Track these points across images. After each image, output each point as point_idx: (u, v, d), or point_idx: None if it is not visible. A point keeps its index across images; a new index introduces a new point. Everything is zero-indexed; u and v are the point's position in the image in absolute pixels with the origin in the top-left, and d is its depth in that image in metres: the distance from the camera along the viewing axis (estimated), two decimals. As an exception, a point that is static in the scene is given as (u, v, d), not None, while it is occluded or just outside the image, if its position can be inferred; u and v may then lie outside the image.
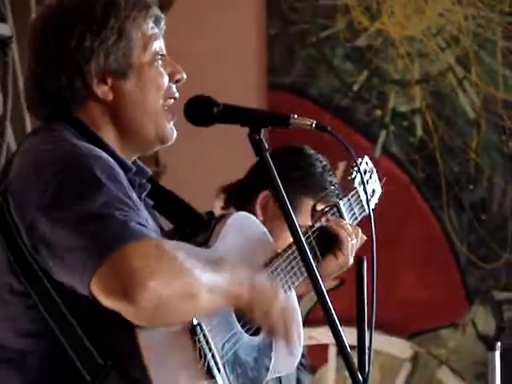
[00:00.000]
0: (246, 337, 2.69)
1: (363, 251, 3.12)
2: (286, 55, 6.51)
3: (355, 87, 6.25)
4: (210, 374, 2.42)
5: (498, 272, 6.13)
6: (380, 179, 3.55)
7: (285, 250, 2.82)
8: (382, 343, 5.92)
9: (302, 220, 3.51)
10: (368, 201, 3.26)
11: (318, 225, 3.13)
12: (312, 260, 2.36)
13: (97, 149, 2.45)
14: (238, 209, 3.51)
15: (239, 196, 3.72)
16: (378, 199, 3.56)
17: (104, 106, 2.55)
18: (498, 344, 4.73)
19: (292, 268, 2.81)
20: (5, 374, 2.48)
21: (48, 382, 2.43)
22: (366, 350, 2.86)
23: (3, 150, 5.68)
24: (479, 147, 6.17)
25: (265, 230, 3.01)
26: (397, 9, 6.34)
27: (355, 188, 3.27)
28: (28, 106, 2.64)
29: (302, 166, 3.70)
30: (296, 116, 2.47)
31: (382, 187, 3.58)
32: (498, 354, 4.74)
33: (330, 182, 3.70)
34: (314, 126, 2.47)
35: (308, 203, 3.62)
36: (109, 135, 2.58)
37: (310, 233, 2.97)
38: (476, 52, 6.35)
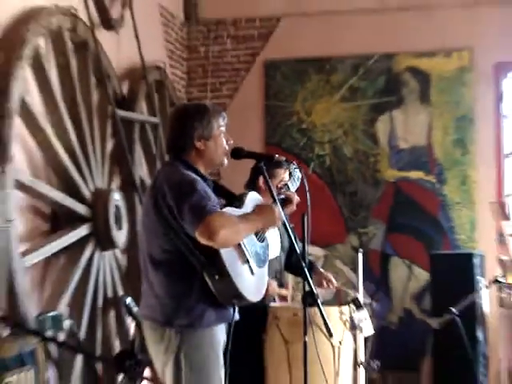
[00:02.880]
0: (258, 242, 4.27)
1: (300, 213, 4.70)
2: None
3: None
4: (247, 260, 4.08)
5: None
6: (300, 170, 5.05)
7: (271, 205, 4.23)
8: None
9: (276, 180, 5.41)
10: (304, 179, 4.75)
11: (281, 195, 4.60)
12: (283, 208, 4.24)
13: (193, 174, 3.97)
14: (253, 188, 5.23)
15: (251, 185, 5.57)
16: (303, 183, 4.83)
17: (198, 151, 4.08)
18: (361, 250, 6.36)
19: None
20: (155, 270, 4.02)
21: (179, 273, 3.97)
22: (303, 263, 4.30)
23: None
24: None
25: (260, 197, 4.49)
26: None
27: (292, 176, 4.92)
28: (167, 151, 4.36)
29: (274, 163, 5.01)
30: (277, 155, 4.39)
31: (301, 173, 5.02)
32: (361, 255, 6.31)
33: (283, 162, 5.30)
34: (278, 156, 4.40)
35: (278, 172, 5.46)
36: (199, 165, 4.11)
37: (279, 198, 4.31)
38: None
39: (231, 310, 4.02)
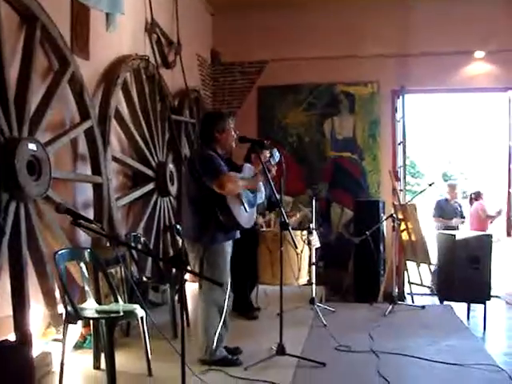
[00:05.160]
0: (250, 194, 4.22)
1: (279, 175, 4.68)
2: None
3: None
4: (242, 204, 4.07)
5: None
6: (279, 152, 4.56)
7: (259, 172, 4.22)
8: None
9: (262, 156, 4.59)
10: (281, 157, 4.48)
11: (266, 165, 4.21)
12: (268, 173, 4.14)
13: (214, 153, 3.94)
14: (248, 160, 5.11)
15: (247, 158, 5.25)
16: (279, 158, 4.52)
17: (217, 140, 4.01)
18: (314, 198, 6.28)
19: (262, 175, 4.15)
20: (190, 209, 4.01)
21: (202, 212, 3.95)
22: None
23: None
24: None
25: (252, 167, 4.29)
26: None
27: (272, 155, 4.47)
28: (199, 139, 4.30)
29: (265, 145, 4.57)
30: (265, 141, 4.45)
31: (279, 155, 4.53)
32: (314, 201, 6.15)
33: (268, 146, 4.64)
34: (266, 141, 4.46)
35: (265, 152, 4.96)
36: (217, 147, 4.02)
37: (266, 168, 4.13)
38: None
39: (234, 232, 4.11)
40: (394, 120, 8.51)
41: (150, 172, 5.96)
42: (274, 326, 4.29)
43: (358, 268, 7.69)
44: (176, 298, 4.82)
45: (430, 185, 7.17)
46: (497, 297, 8.00)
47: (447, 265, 6.79)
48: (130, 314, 3.78)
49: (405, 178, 8.46)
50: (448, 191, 9.25)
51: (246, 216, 4.09)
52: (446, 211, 8.99)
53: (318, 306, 5.75)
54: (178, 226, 5.90)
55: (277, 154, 4.43)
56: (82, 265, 3.95)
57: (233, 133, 4.08)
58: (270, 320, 5.14)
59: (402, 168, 8.39)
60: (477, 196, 9.21)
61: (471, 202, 9.28)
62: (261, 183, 4.31)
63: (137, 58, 5.83)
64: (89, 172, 4.93)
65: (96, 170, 4.92)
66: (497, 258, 8.06)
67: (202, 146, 4.08)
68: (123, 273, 4.59)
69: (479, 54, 8.09)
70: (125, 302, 4.22)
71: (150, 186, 5.98)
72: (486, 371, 4.00)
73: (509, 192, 8.33)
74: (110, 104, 5.19)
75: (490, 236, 6.76)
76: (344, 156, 8.61)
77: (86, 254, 4.01)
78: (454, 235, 6.71)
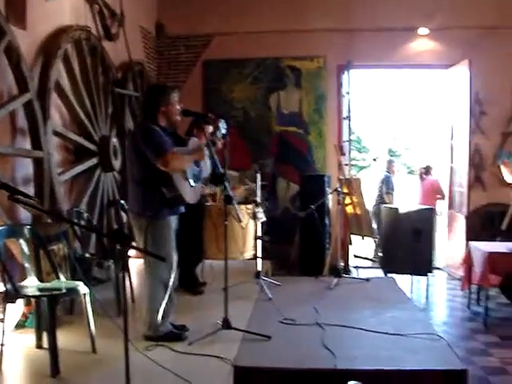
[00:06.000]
0: (195, 167, 4.22)
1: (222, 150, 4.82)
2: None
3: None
4: (187, 179, 4.06)
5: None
6: (227, 125, 4.71)
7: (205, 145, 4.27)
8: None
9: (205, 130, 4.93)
10: (227, 130, 4.66)
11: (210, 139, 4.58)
12: (211, 146, 4.27)
13: (156, 127, 3.87)
14: (190, 134, 5.17)
15: (190, 132, 5.28)
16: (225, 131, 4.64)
17: (163, 113, 3.95)
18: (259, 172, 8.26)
19: (206, 148, 4.20)
20: (134, 184, 3.99)
21: (147, 187, 3.91)
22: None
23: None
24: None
25: (197, 140, 4.43)
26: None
27: (219, 128, 4.61)
28: (142, 113, 4.16)
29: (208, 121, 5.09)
30: (209, 114, 4.90)
31: (226, 127, 4.67)
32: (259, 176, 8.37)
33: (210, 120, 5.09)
34: (210, 115, 4.90)
35: (208, 126, 5.24)
36: (161, 121, 3.96)
37: (209, 141, 4.33)
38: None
39: (179, 207, 4.11)
40: (340, 95, 8.57)
41: (92, 146, 5.92)
42: (220, 301, 4.28)
43: (303, 242, 7.83)
44: (121, 274, 4.75)
45: (375, 159, 7.34)
46: (439, 269, 8.30)
47: (391, 238, 6.95)
48: (73, 291, 3.73)
49: (350, 152, 8.63)
50: (387, 167, 9.44)
51: (191, 191, 4.08)
52: (393, 186, 9.26)
53: (263, 279, 5.78)
54: (122, 202, 5.88)
55: (224, 126, 4.42)
56: (22, 242, 3.87)
57: (177, 106, 4.02)
58: (216, 294, 5.11)
59: (347, 143, 8.49)
60: (427, 171, 9.35)
61: (421, 177, 9.41)
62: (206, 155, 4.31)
63: (78, 29, 5.74)
64: (28, 146, 4.84)
65: (36, 144, 4.83)
66: (439, 231, 8.41)
67: (146, 119, 4.02)
68: (66, 249, 4.50)
69: (423, 30, 8.23)
70: (67, 279, 4.14)
71: (93, 160, 5.94)
72: (426, 340, 4.11)
73: (451, 167, 8.54)
74: (50, 76, 5.12)
75: (432, 209, 6.96)
76: (290, 130, 8.66)
77: (26, 230, 3.92)
78: (397, 208, 6.85)
